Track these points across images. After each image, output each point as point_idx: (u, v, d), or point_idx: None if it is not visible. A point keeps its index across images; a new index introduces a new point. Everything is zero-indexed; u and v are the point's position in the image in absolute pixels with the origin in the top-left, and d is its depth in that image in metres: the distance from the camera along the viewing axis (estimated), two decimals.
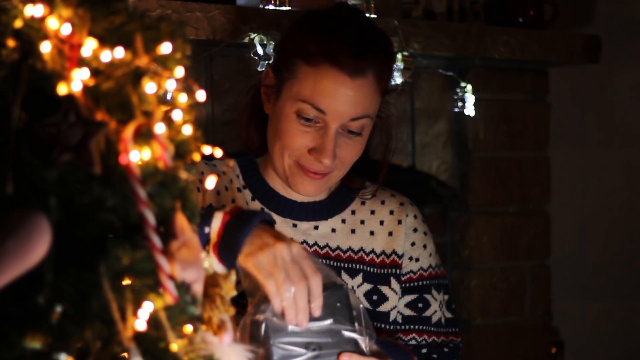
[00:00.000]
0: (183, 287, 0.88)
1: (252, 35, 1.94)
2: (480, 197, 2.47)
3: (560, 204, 2.72)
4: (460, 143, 2.46)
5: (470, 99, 2.35)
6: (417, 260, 1.76)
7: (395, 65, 2.16)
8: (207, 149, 0.95)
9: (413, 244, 1.77)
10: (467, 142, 2.45)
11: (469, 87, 2.35)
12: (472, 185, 2.46)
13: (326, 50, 1.60)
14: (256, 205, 1.72)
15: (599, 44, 2.52)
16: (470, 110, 2.35)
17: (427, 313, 1.76)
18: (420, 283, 1.76)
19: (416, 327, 1.75)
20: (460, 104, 2.36)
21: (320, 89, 1.60)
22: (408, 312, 1.75)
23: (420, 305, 1.76)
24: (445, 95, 2.42)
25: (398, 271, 1.75)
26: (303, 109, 1.61)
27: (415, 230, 1.78)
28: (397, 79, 2.17)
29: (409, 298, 1.76)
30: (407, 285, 1.76)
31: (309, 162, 1.64)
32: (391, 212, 1.77)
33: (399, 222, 1.77)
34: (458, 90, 2.37)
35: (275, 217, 1.71)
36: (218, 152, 0.97)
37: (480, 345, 2.47)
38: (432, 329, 1.76)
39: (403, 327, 1.75)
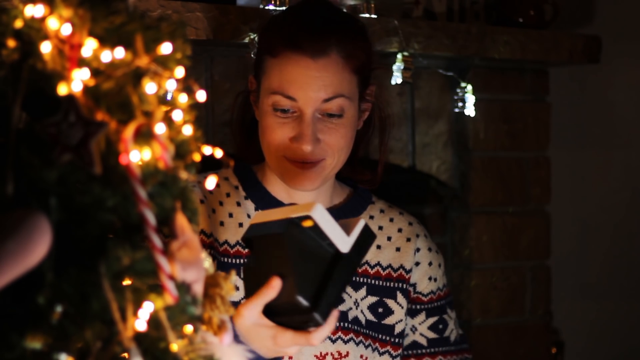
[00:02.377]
0: (183, 287, 0.88)
1: (252, 35, 1.94)
2: (480, 197, 2.47)
3: (560, 204, 2.72)
4: (460, 143, 2.46)
5: (470, 99, 2.34)
6: (435, 280, 1.77)
7: (396, 65, 2.16)
8: (207, 149, 0.95)
9: (430, 263, 1.77)
10: (467, 142, 2.45)
11: (469, 87, 2.35)
12: (472, 185, 2.46)
13: (286, 39, 1.61)
14: None
15: (599, 44, 2.52)
16: (470, 111, 2.34)
17: (447, 333, 1.78)
18: (439, 303, 1.78)
19: (441, 349, 1.77)
20: (460, 104, 2.36)
21: (286, 77, 1.60)
22: (432, 334, 1.76)
23: (440, 326, 1.78)
24: (445, 95, 2.42)
25: (405, 286, 1.74)
26: (276, 100, 1.61)
27: (429, 249, 1.78)
28: (397, 79, 2.17)
29: (431, 320, 1.77)
30: (430, 306, 1.77)
31: (294, 153, 1.62)
32: (400, 230, 1.77)
33: (408, 239, 1.76)
34: (458, 90, 2.36)
35: None
36: (218, 152, 0.97)
37: (480, 345, 2.47)
38: (452, 348, 1.78)
39: (429, 350, 1.76)
